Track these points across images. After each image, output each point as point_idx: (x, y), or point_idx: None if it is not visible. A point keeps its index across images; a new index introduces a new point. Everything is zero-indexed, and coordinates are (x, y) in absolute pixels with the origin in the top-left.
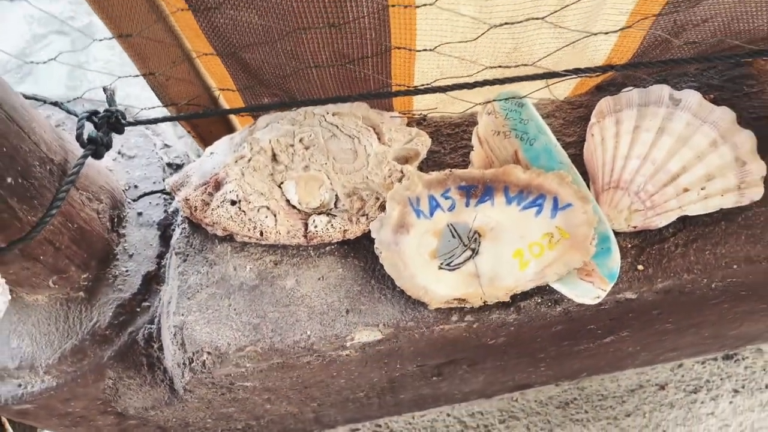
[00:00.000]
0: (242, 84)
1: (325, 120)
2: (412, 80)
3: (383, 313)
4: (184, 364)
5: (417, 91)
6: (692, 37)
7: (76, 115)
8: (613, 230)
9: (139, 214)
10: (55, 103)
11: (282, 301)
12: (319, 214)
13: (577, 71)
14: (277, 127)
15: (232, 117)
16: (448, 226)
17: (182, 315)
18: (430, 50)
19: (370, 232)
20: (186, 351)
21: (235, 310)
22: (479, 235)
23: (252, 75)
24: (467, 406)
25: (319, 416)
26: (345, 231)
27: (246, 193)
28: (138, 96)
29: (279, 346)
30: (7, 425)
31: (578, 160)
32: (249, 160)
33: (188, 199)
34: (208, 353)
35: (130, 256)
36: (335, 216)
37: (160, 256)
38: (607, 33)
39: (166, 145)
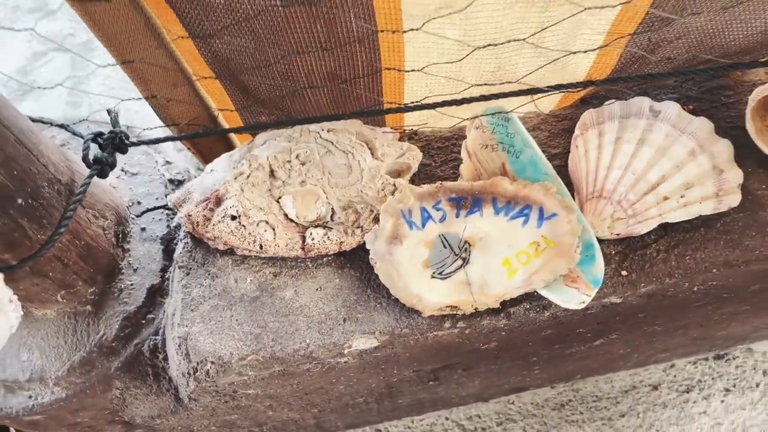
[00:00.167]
0: (240, 104)
1: (321, 137)
2: (402, 98)
3: (379, 321)
4: (188, 373)
5: (407, 108)
6: (667, 53)
7: (82, 137)
8: (598, 238)
9: (143, 229)
10: (61, 126)
11: (282, 311)
12: (316, 227)
13: (559, 87)
14: (274, 144)
15: (231, 135)
16: (439, 236)
17: (186, 326)
18: (418, 70)
19: (365, 243)
20: (190, 361)
21: (236, 320)
22: (469, 245)
23: (250, 95)
24: (465, 410)
25: (319, 422)
26: (341, 243)
27: (245, 208)
28: (138, 110)
29: (279, 354)
30: None
31: (563, 170)
32: (248, 177)
33: (190, 215)
34: (212, 363)
35: (135, 270)
36: (331, 229)
37: (164, 270)
38: (585, 51)
39: (168, 162)
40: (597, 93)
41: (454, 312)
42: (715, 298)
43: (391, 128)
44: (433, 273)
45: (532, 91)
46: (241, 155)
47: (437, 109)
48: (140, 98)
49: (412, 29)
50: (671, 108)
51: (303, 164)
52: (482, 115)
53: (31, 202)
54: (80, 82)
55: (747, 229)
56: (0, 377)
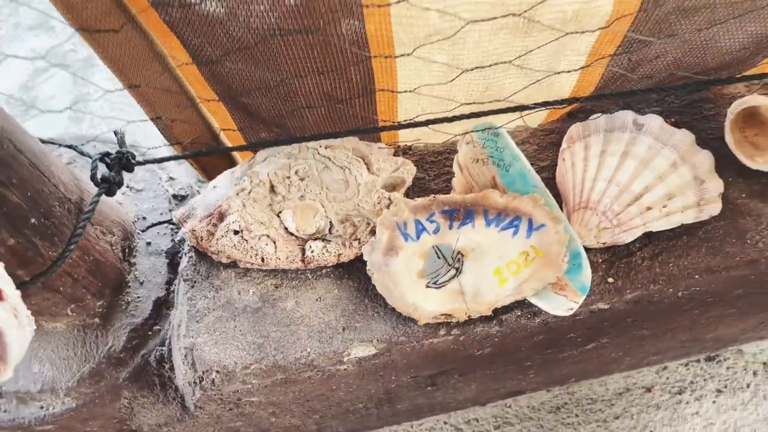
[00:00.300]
0: (242, 124)
1: (319, 153)
2: (396, 116)
3: (377, 329)
4: (194, 382)
5: (401, 126)
6: (647, 71)
7: (90, 157)
8: (585, 247)
9: (148, 243)
10: (70, 146)
11: (283, 321)
12: (315, 240)
13: (545, 104)
14: (274, 160)
15: (233, 152)
16: (433, 247)
17: (192, 337)
18: (411, 91)
19: (362, 255)
20: (196, 370)
21: (240, 331)
22: (462, 255)
23: (251, 116)
24: (463, 414)
25: (321, 428)
26: (339, 255)
27: (247, 223)
28: (138, 124)
29: (282, 363)
30: None
31: (551, 182)
32: (249, 192)
33: (194, 230)
34: (217, 372)
35: (141, 283)
36: (330, 241)
37: (169, 283)
38: (568, 71)
39: (171, 178)
40: (583, 107)
41: (449, 320)
42: (700, 302)
43: (386, 144)
44: (428, 283)
45: (519, 108)
46: (242, 172)
47: (429, 126)
48: (146, 120)
49: (403, 54)
50: (654, 121)
51: (302, 180)
52: (473, 131)
53: (44, 221)
54: (82, 97)
55: (727, 237)
56: (13, 389)
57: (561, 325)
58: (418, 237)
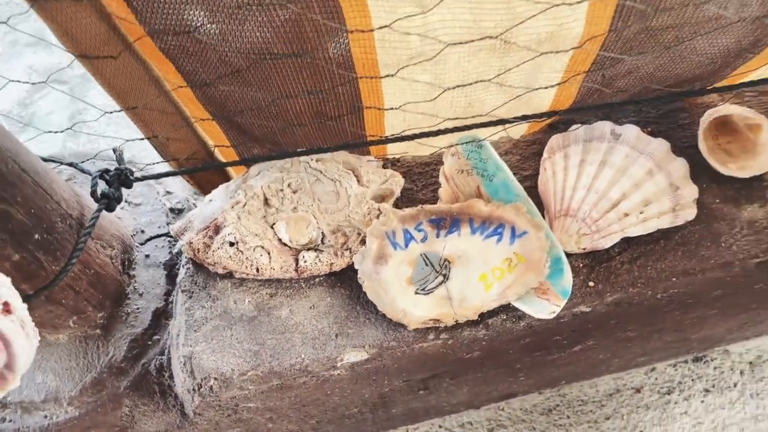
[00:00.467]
0: (236, 141)
1: (310, 166)
2: (383, 131)
3: (368, 335)
4: (193, 389)
5: (388, 140)
6: (622, 85)
7: (90, 174)
8: (566, 252)
9: (147, 256)
10: (71, 164)
11: (278, 329)
12: (308, 250)
13: (525, 117)
14: (267, 174)
15: (228, 167)
16: (421, 255)
17: (190, 346)
18: (396, 108)
19: (353, 264)
20: (195, 378)
21: (237, 339)
22: (449, 262)
23: (244, 133)
24: (457, 417)
25: None
26: (331, 264)
27: (242, 235)
28: (133, 137)
29: (277, 369)
30: None
31: (533, 191)
32: (244, 205)
33: (192, 243)
34: (215, 379)
35: (141, 294)
36: (322, 251)
37: (168, 294)
38: (546, 87)
39: (168, 192)
40: (564, 118)
41: (437, 324)
42: (679, 304)
43: (375, 157)
44: (417, 289)
45: (501, 122)
46: (237, 186)
47: (416, 140)
48: (143, 138)
49: (388, 75)
50: (631, 131)
51: (294, 192)
52: (457, 144)
53: (47, 236)
54: (79, 112)
55: (703, 240)
56: (17, 399)
57: (546, 328)
58: (406, 245)
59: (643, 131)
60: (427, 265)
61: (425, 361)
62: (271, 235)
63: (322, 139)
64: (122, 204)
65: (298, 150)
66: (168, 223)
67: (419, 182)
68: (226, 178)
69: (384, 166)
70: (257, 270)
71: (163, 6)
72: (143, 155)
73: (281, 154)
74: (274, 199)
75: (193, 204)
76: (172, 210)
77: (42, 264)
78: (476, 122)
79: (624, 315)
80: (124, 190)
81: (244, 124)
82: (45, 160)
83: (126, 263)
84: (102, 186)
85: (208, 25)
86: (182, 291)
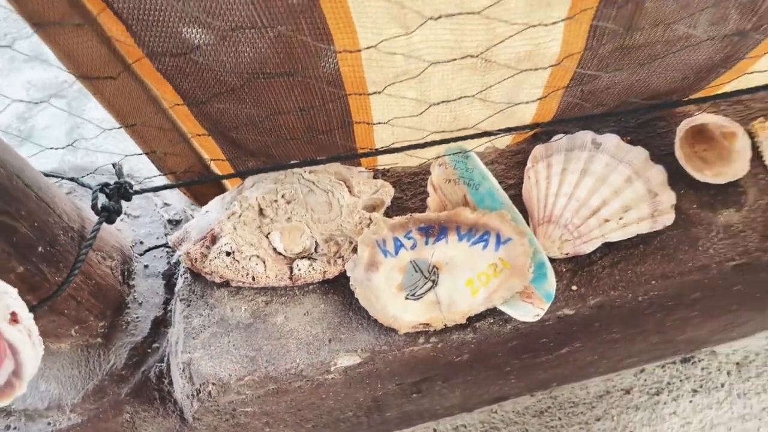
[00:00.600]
0: (231, 154)
1: (303, 178)
2: (373, 144)
3: (360, 340)
4: (192, 395)
5: (378, 153)
6: (600, 99)
7: (90, 188)
8: (550, 258)
9: (146, 266)
10: (72, 179)
11: (274, 335)
12: (302, 258)
13: (508, 130)
14: (262, 185)
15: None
16: (411, 262)
17: (189, 353)
18: (385, 123)
19: (346, 271)
20: (193, 383)
21: (234, 345)
22: (437, 269)
23: (239, 147)
24: (451, 420)
25: None
26: (325, 272)
27: (238, 245)
28: (132, 151)
29: (273, 374)
30: None
31: (518, 199)
32: (239, 216)
33: (189, 253)
34: (213, 384)
35: (140, 304)
36: (316, 260)
37: (166, 303)
38: (527, 102)
39: (166, 204)
40: (547, 129)
41: (427, 329)
42: (661, 306)
43: (366, 168)
44: (407, 295)
45: (485, 134)
46: (232, 197)
47: (404, 152)
48: (141, 154)
49: (375, 92)
50: (611, 140)
51: (288, 203)
52: (444, 155)
53: (50, 249)
54: (77, 126)
55: (680, 245)
56: (21, 407)
57: (532, 331)
58: (396, 253)
59: (623, 140)
60: (416, 271)
61: (416, 365)
62: (266, 245)
63: (314, 152)
64: (121, 216)
65: (292, 162)
66: (166, 234)
67: (408, 192)
68: (222, 190)
69: (374, 177)
70: (253, 278)
71: (160, 29)
72: (140, 167)
73: (275, 167)
74: (268, 210)
75: (190, 215)
76: (169, 221)
77: (45, 275)
78: (462, 135)
79: (607, 317)
80: (123, 203)
81: (239, 139)
82: (47, 175)
83: (126, 273)
84: (102, 199)
85: (204, 47)
86: (180, 300)
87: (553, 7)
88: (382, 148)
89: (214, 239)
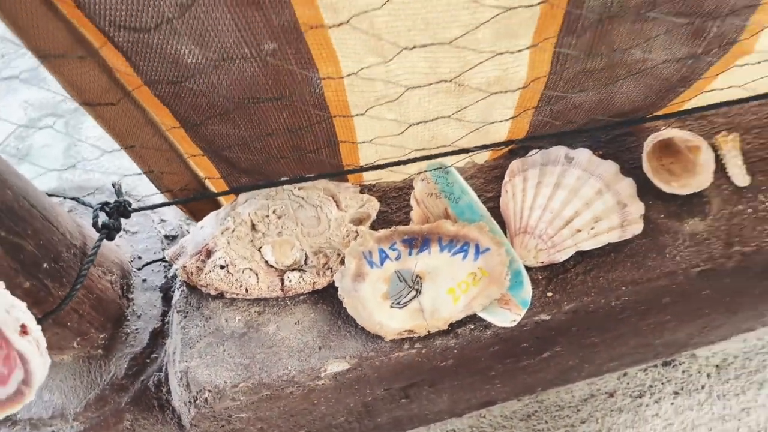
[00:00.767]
0: (225, 172)
1: (293, 194)
2: (358, 161)
3: (349, 346)
4: (189, 402)
5: (363, 169)
6: (569, 117)
7: (91, 207)
8: (526, 266)
9: (144, 280)
10: (74, 198)
11: (266, 343)
12: (293, 270)
13: (484, 147)
14: (254, 202)
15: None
16: (395, 272)
17: (186, 362)
18: (368, 142)
19: (334, 282)
20: (191, 391)
21: (228, 354)
22: (420, 278)
23: (232, 166)
24: (441, 425)
25: None
26: (314, 283)
27: (232, 258)
28: (128, 168)
29: (266, 380)
30: None
31: (496, 211)
32: (233, 231)
33: (185, 267)
34: (209, 391)
35: (139, 316)
36: (306, 271)
37: (164, 315)
38: (501, 121)
39: (163, 220)
40: (524, 145)
41: (411, 335)
42: (634, 311)
43: (353, 183)
44: (392, 303)
45: (463, 151)
46: (226, 213)
47: (388, 168)
48: (139, 173)
49: (358, 114)
50: (583, 154)
51: (279, 218)
52: (426, 170)
53: (54, 265)
54: (74, 144)
55: (649, 252)
56: (26, 416)
57: (512, 336)
58: (382, 264)
59: (595, 154)
60: (400, 281)
61: (403, 370)
62: (258, 258)
63: (303, 170)
64: (120, 233)
65: (282, 179)
66: (163, 249)
67: (393, 205)
68: (217, 206)
69: (361, 192)
70: (246, 290)
71: (157, 60)
72: (136, 183)
73: (267, 184)
74: (260, 225)
75: (186, 231)
76: (166, 237)
77: (50, 290)
78: (441, 152)
79: (583, 322)
80: (122, 220)
81: (232, 158)
82: (50, 195)
83: (125, 287)
84: (102, 217)
85: (199, 75)
86: (177, 311)
87: (519, 36)
88: (366, 165)
89: (209, 253)
